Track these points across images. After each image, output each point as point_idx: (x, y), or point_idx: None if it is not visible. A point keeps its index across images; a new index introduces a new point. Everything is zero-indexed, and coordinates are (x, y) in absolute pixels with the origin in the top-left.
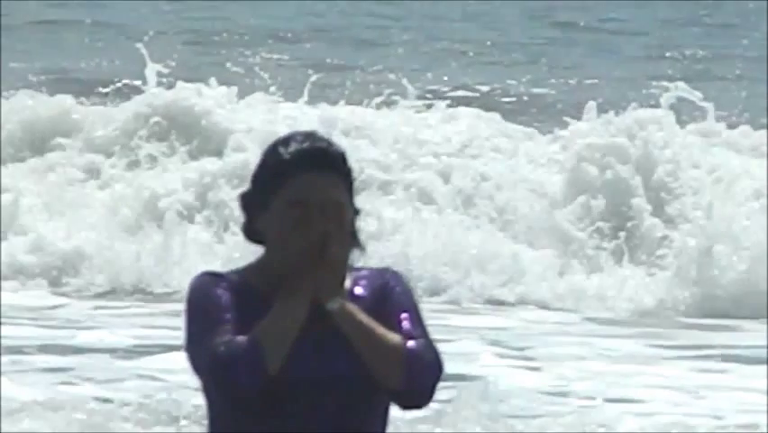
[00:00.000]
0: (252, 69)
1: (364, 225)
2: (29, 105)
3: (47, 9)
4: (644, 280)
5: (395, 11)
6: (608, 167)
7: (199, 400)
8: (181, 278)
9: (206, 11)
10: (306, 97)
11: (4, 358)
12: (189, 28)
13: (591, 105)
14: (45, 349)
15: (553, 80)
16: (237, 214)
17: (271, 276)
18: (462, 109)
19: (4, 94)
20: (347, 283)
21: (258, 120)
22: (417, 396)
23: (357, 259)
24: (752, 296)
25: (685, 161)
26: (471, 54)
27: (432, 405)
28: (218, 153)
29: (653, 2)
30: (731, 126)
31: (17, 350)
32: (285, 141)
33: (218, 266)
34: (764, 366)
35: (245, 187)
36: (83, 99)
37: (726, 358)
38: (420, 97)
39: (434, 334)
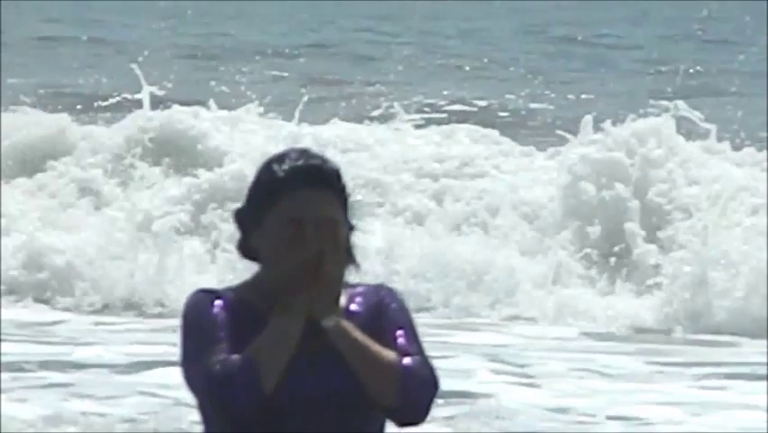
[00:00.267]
0: (248, 85)
1: (359, 242)
2: (24, 124)
3: (44, 25)
4: (639, 299)
5: (392, 27)
6: (603, 186)
7: (197, 416)
8: (176, 295)
9: (202, 27)
10: (300, 115)
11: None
12: (185, 44)
13: (588, 119)
14: (44, 366)
15: (551, 95)
16: (230, 233)
17: (267, 293)
18: (459, 126)
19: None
20: (342, 300)
21: (252, 138)
22: (413, 413)
23: (352, 275)
24: (748, 321)
25: (681, 179)
26: (468, 69)
27: (434, 424)
28: (211, 172)
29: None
30: (736, 148)
31: (17, 367)
32: (279, 158)
33: (212, 284)
34: (764, 383)
35: (239, 204)
36: (81, 116)
37: (727, 375)
38: (418, 111)
39: (431, 351)
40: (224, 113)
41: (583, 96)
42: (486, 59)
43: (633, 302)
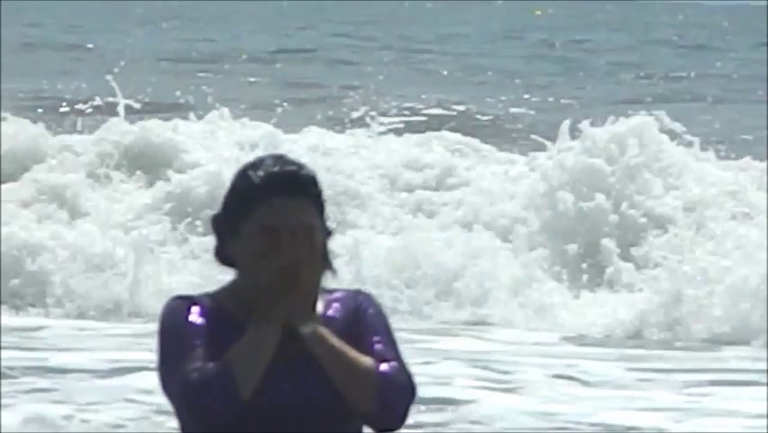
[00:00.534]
0: (223, 91)
1: (336, 248)
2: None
3: (24, 31)
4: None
5: (370, 32)
6: (582, 198)
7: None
8: (154, 302)
9: (181, 32)
10: (277, 120)
11: None
12: (163, 48)
13: (566, 124)
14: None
15: (531, 98)
16: (205, 240)
17: (244, 300)
18: (434, 134)
19: None
20: (319, 306)
21: (227, 144)
22: (390, 419)
23: (329, 281)
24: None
25: (659, 187)
26: (446, 73)
27: (418, 431)
28: (186, 175)
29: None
30: (721, 158)
31: None
32: (254, 165)
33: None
34: (749, 388)
35: (215, 211)
36: (60, 120)
37: (712, 382)
38: (398, 114)
39: (411, 357)
40: (200, 124)
41: (562, 100)
42: (464, 64)
43: (615, 307)
